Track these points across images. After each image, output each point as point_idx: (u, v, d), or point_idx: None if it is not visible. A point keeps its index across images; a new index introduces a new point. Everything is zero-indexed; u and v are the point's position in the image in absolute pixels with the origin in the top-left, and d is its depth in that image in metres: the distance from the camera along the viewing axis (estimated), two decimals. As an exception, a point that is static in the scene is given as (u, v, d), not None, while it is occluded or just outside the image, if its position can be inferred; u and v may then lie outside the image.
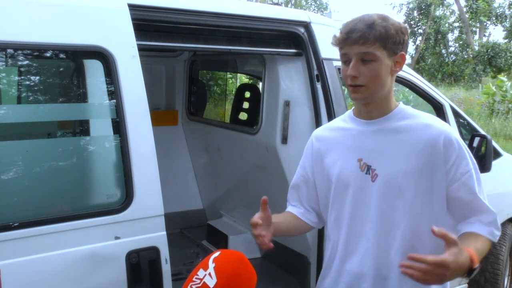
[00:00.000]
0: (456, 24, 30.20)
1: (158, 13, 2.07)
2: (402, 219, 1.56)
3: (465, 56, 28.04)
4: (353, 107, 1.72)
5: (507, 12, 28.46)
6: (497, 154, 3.34)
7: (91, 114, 1.97)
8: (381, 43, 1.48)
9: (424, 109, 1.85)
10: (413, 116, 1.60)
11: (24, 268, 1.58)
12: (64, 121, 2.04)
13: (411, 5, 30.71)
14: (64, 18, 1.75)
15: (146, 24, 2.05)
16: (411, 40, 30.34)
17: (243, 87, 4.40)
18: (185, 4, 2.16)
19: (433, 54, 29.62)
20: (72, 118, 2.01)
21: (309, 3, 34.00)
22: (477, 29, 29.99)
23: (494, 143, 3.14)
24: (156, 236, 1.80)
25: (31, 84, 1.93)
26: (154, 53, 3.78)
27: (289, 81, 2.82)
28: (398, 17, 30.06)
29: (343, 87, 2.57)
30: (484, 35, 30.07)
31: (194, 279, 1.47)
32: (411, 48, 30.52)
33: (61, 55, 1.87)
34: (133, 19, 1.88)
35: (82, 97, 1.98)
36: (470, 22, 28.16)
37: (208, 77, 6.59)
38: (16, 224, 1.58)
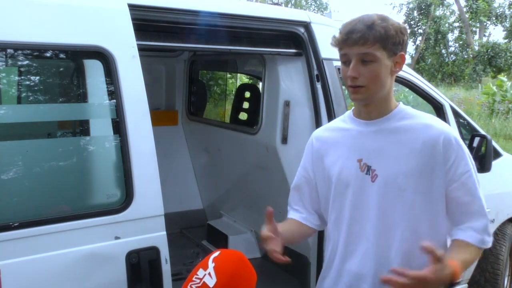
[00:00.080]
0: (456, 24, 30.21)
1: (158, 13, 2.06)
2: (402, 219, 1.57)
3: (465, 56, 28.04)
4: (353, 108, 1.72)
5: (507, 12, 28.47)
6: (497, 154, 3.34)
7: (91, 114, 1.97)
8: (381, 44, 1.48)
9: (424, 109, 1.85)
10: (413, 116, 1.60)
11: (24, 268, 1.58)
12: (64, 121, 2.04)
13: (411, 5, 30.71)
14: (64, 18, 1.75)
15: (146, 24, 2.05)
16: (411, 40, 30.35)
17: (243, 87, 4.40)
18: (185, 4, 2.16)
19: (433, 54, 29.62)
20: (72, 118, 2.01)
21: (309, 3, 34.01)
22: (477, 29, 29.99)
23: (494, 143, 3.14)
24: (156, 236, 1.80)
25: (31, 84, 1.93)
26: (154, 53, 3.78)
27: (289, 81, 2.82)
28: (398, 17, 30.11)
29: (343, 87, 2.57)
30: (484, 35, 30.08)
31: (194, 278, 1.47)
32: (411, 48, 30.56)
33: (61, 55, 1.87)
34: (133, 19, 1.88)
35: (82, 97, 1.98)
36: (470, 22, 28.16)
37: (208, 77, 6.59)
38: (16, 224, 1.58)
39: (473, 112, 13.74)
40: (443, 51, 29.87)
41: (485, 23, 29.40)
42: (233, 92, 6.13)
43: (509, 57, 24.28)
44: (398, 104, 1.63)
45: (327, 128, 1.81)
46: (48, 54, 1.82)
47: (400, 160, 1.55)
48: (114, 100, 1.79)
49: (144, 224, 1.79)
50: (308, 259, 2.80)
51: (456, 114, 3.20)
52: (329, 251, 1.74)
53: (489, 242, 1.59)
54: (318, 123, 2.49)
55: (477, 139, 3.00)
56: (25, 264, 1.58)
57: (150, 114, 1.84)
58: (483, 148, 2.95)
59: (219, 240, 3.54)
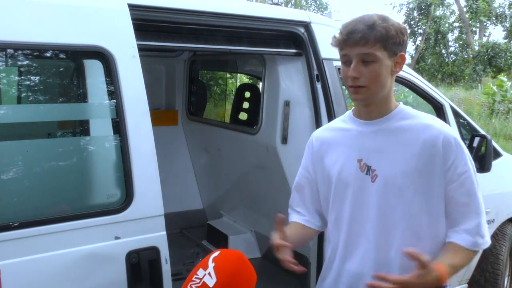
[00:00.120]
0: (456, 24, 30.21)
1: (158, 13, 2.06)
2: (401, 219, 1.57)
3: (465, 56, 28.04)
4: (353, 108, 1.72)
5: (507, 12, 28.47)
6: (497, 154, 3.34)
7: (91, 114, 1.97)
8: (381, 44, 1.48)
9: (424, 109, 1.85)
10: (413, 116, 1.60)
11: (24, 268, 1.58)
12: (64, 121, 2.04)
13: (411, 5, 30.71)
14: (64, 18, 1.75)
15: (146, 24, 2.05)
16: (411, 40, 30.36)
17: (243, 87, 4.40)
18: (185, 4, 2.16)
19: (433, 54, 29.61)
20: (72, 118, 2.01)
21: (309, 3, 34.00)
22: (477, 29, 29.99)
23: (494, 143, 3.14)
24: (156, 236, 1.80)
25: (31, 84, 1.93)
26: (154, 53, 3.78)
27: (289, 81, 2.82)
28: (398, 17, 30.10)
29: (343, 87, 2.57)
30: (484, 35, 30.07)
31: (193, 278, 1.47)
32: (411, 48, 30.57)
33: (61, 55, 1.87)
34: (133, 19, 1.88)
35: (82, 97, 1.98)
36: (470, 22, 28.16)
37: (208, 77, 6.59)
38: (16, 224, 1.58)
39: (473, 112, 13.73)
40: (443, 51, 29.86)
41: (485, 23, 29.40)
42: (233, 92, 6.13)
43: (509, 57, 24.28)
44: (398, 104, 1.63)
45: (327, 128, 1.81)
46: (48, 54, 1.82)
47: (400, 160, 1.55)
48: (114, 100, 1.79)
49: (144, 224, 1.79)
50: (308, 259, 2.80)
51: (456, 114, 3.20)
52: (329, 251, 1.75)
53: (482, 244, 1.57)
54: (318, 123, 2.49)
55: (477, 139, 3.00)
56: (25, 264, 1.58)
57: (150, 114, 1.84)
58: (483, 148, 2.95)
59: (219, 240, 3.54)
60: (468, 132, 3.28)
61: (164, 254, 1.80)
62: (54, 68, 2.06)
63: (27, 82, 1.92)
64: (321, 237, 2.46)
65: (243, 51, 2.60)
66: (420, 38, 30.16)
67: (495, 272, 3.34)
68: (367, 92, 1.53)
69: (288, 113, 2.81)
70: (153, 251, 1.78)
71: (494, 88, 14.36)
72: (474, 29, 29.56)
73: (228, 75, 7.08)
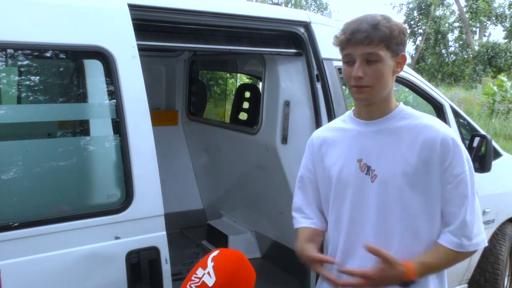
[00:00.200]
0: (456, 24, 30.21)
1: (158, 13, 2.06)
2: (401, 219, 1.57)
3: (465, 56, 28.04)
4: (353, 108, 1.72)
5: (507, 12, 28.47)
6: (497, 154, 3.34)
7: (91, 114, 1.97)
8: (385, 44, 1.48)
9: (424, 109, 1.85)
10: (413, 116, 1.60)
11: (24, 268, 1.58)
12: (64, 121, 2.04)
13: (411, 5, 30.71)
14: (64, 18, 1.75)
15: (146, 24, 2.04)
16: (411, 40, 30.36)
17: (243, 87, 4.40)
18: (185, 4, 2.16)
19: (433, 54, 29.62)
20: (72, 118, 2.01)
21: (309, 3, 33.99)
22: (477, 29, 29.99)
23: (494, 143, 3.14)
24: (156, 236, 1.80)
25: (31, 84, 1.93)
26: (154, 53, 3.78)
27: (289, 81, 2.82)
28: (398, 17, 30.08)
29: (343, 87, 2.56)
30: (484, 35, 30.07)
31: (193, 278, 1.47)
32: (411, 48, 30.57)
33: (61, 55, 1.87)
34: (133, 19, 1.88)
35: (82, 97, 1.98)
36: (470, 22, 28.16)
37: (208, 77, 6.59)
38: (16, 224, 1.58)
39: (473, 112, 13.73)
40: (443, 51, 29.86)
41: (485, 23, 29.40)
42: (233, 92, 6.13)
43: (509, 57, 24.28)
44: (399, 104, 1.63)
45: (327, 128, 1.81)
46: (48, 54, 1.82)
47: (399, 161, 1.55)
48: (114, 100, 1.79)
49: (144, 224, 1.79)
50: (308, 259, 2.80)
51: (456, 114, 3.20)
52: (329, 251, 1.75)
53: (469, 246, 1.55)
54: (318, 123, 2.49)
55: (477, 139, 3.00)
56: (25, 264, 1.58)
57: (150, 114, 1.84)
58: (483, 148, 2.95)
59: (219, 240, 3.54)
60: (468, 132, 3.28)
61: (164, 254, 1.80)
62: (54, 68, 2.06)
63: (27, 82, 1.92)
64: (321, 237, 2.46)
65: (243, 51, 2.60)
66: (420, 38, 30.17)
67: (495, 272, 3.34)
68: (370, 92, 1.53)
69: (288, 113, 2.81)
70: (153, 251, 1.78)
71: (494, 88, 14.36)
72: (474, 29, 29.56)
73: (228, 75, 7.08)
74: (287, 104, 2.81)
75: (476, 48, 26.49)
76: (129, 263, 1.73)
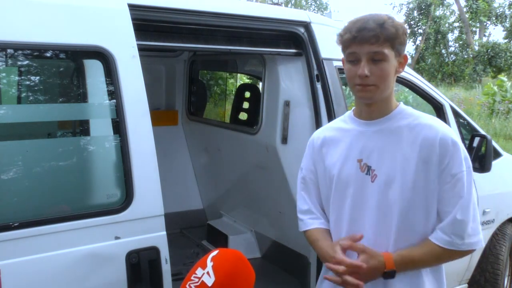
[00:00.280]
0: (456, 24, 30.21)
1: (158, 13, 2.06)
2: (401, 218, 1.57)
3: (465, 56, 28.03)
4: (353, 108, 1.72)
5: (507, 12, 28.47)
6: (497, 154, 3.34)
7: (91, 114, 1.97)
8: (390, 43, 1.48)
9: (424, 109, 1.85)
10: (413, 116, 1.60)
11: (24, 268, 1.58)
12: (64, 121, 2.04)
13: (411, 5, 30.71)
14: (64, 18, 1.75)
15: (146, 24, 2.04)
16: (411, 40, 30.36)
17: (243, 87, 4.40)
18: (185, 4, 2.16)
19: (433, 54, 29.61)
20: (72, 118, 2.01)
21: (309, 3, 33.99)
22: (477, 29, 29.99)
23: (494, 143, 3.14)
24: (156, 236, 1.80)
25: (31, 84, 1.93)
26: (154, 53, 3.78)
27: (289, 81, 2.82)
28: (398, 17, 30.01)
29: (343, 87, 2.56)
30: (484, 35, 30.07)
31: (192, 277, 1.46)
32: (411, 48, 30.56)
33: (61, 55, 1.87)
34: (133, 19, 1.88)
35: (82, 97, 1.98)
36: (470, 22, 28.16)
37: (208, 77, 6.59)
38: (16, 224, 1.58)
39: (473, 112, 13.73)
40: (443, 51, 29.86)
41: (485, 23, 29.40)
42: (233, 92, 6.13)
43: (509, 57, 24.27)
44: (399, 104, 1.63)
45: (328, 128, 1.81)
46: (48, 54, 1.82)
47: (400, 161, 1.56)
48: (114, 100, 1.79)
49: (144, 224, 1.78)
50: (308, 259, 2.80)
51: (456, 114, 3.20)
52: (329, 251, 1.74)
53: (462, 245, 1.54)
54: (318, 123, 2.49)
55: (477, 139, 3.00)
56: (25, 264, 1.58)
57: (150, 114, 1.84)
58: (483, 148, 2.95)
59: (219, 240, 3.54)
60: (468, 132, 3.28)
61: (164, 254, 1.80)
62: (54, 68, 2.06)
63: (27, 82, 1.92)
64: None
65: (243, 51, 2.59)
66: (420, 38, 30.17)
67: (495, 272, 3.34)
68: (375, 91, 1.53)
69: (288, 113, 2.81)
70: (153, 251, 1.78)
71: (494, 88, 14.36)
72: (474, 29, 29.56)
73: (228, 75, 7.08)
74: (287, 104, 2.81)
75: (476, 48, 26.49)
76: (129, 263, 1.73)
